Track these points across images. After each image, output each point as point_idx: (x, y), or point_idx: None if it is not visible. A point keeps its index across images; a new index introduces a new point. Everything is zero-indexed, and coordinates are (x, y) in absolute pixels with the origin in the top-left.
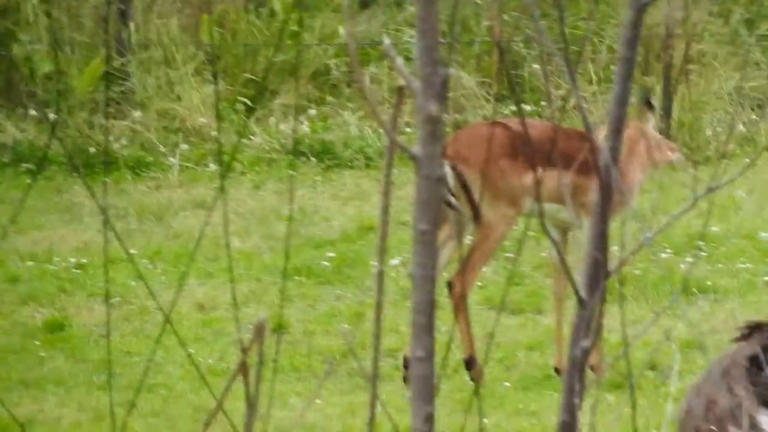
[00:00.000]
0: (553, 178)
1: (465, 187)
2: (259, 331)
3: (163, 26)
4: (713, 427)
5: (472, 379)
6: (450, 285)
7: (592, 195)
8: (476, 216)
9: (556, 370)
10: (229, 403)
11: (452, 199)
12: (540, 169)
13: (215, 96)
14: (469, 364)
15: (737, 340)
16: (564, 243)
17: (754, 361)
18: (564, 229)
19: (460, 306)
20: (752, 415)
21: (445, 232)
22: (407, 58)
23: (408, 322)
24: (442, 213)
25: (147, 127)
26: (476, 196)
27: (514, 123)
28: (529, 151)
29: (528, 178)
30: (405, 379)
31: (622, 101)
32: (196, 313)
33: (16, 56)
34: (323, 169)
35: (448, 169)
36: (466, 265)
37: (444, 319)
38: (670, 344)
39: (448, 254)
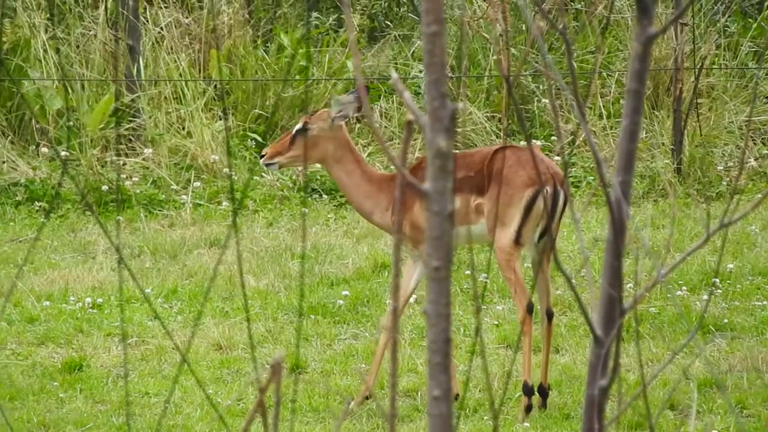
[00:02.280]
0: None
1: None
2: (275, 370)
3: (173, 62)
4: None
5: (541, 406)
6: (550, 314)
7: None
8: (554, 240)
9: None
10: None
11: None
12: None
13: (225, 132)
14: (545, 392)
15: None
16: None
17: None
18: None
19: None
20: None
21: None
22: (416, 93)
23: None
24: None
25: (158, 164)
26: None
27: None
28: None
29: None
30: (528, 408)
31: (631, 135)
32: (213, 352)
33: (27, 93)
34: (335, 206)
35: (552, 191)
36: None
37: (461, 359)
38: (689, 383)
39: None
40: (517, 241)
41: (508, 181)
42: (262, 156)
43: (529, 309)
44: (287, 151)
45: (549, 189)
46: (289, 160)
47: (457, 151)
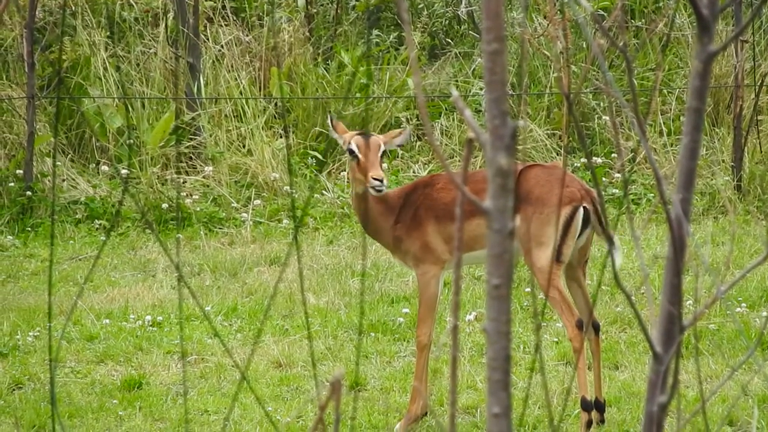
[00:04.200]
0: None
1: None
2: (335, 388)
3: (233, 80)
4: None
5: (600, 421)
6: (597, 326)
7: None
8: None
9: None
10: None
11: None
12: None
13: (286, 150)
14: (601, 406)
15: None
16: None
17: None
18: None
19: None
20: None
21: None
22: (477, 111)
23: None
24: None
25: (219, 182)
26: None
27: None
28: None
29: None
30: (588, 424)
31: (691, 152)
32: (272, 370)
33: (87, 111)
34: None
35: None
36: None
37: (520, 375)
38: (748, 399)
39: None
40: (558, 259)
41: (542, 200)
42: (380, 180)
43: (579, 325)
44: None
45: (587, 206)
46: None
47: (477, 170)
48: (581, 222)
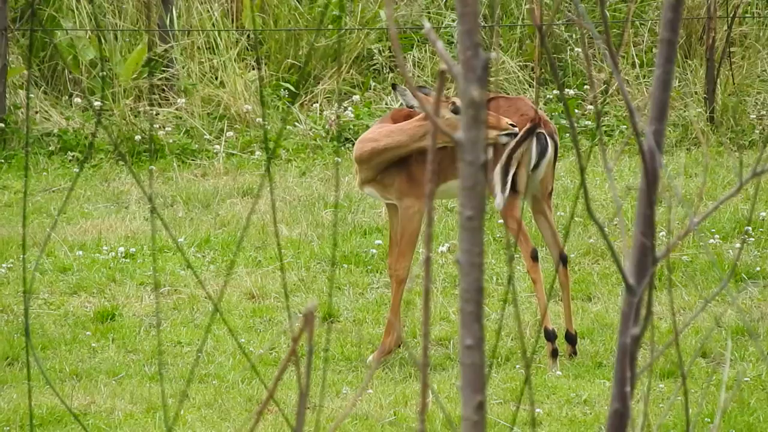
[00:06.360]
0: None
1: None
2: (308, 320)
3: (206, 12)
4: None
5: (572, 354)
6: (565, 259)
7: None
8: (551, 189)
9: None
10: (281, 392)
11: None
12: None
13: (259, 82)
14: (572, 338)
15: None
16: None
17: None
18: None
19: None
20: None
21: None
22: (449, 42)
23: (458, 309)
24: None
25: (191, 114)
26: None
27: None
28: None
29: None
30: (554, 353)
31: (664, 84)
32: (245, 302)
33: (60, 43)
34: None
35: (551, 142)
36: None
37: (493, 307)
38: (721, 331)
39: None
40: (514, 188)
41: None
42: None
43: (534, 256)
44: None
45: (523, 132)
46: None
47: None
48: (536, 150)
